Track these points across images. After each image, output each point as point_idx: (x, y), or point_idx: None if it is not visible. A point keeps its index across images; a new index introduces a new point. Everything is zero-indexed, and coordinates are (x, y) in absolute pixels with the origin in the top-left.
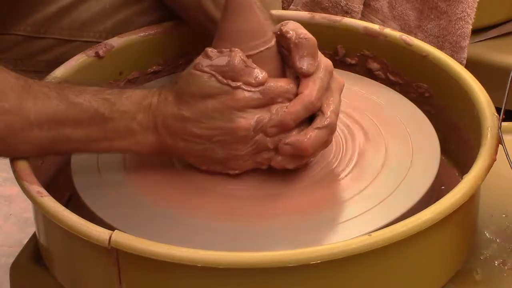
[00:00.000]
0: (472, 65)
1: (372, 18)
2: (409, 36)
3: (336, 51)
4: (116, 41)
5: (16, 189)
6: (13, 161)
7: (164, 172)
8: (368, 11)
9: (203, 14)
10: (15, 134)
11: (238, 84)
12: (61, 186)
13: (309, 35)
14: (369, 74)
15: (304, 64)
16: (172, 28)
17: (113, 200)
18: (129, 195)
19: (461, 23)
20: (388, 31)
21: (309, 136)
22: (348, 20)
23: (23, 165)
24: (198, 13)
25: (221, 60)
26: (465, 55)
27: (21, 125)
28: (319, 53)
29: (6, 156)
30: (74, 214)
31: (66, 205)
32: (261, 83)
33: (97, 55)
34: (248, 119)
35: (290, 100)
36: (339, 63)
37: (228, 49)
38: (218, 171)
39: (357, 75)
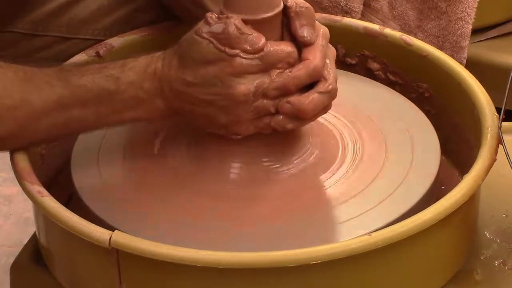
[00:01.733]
0: (472, 65)
1: (372, 18)
2: (409, 36)
3: (336, 51)
4: (116, 41)
5: (16, 189)
6: (13, 161)
7: (164, 172)
8: (368, 11)
9: (201, 10)
10: (24, 128)
11: (236, 52)
12: (61, 186)
13: (308, 4)
14: (369, 74)
15: (305, 32)
16: (172, 28)
17: (113, 200)
18: (129, 195)
19: (461, 23)
20: (388, 31)
21: (311, 98)
22: (348, 20)
23: (23, 165)
24: (196, 9)
25: (218, 27)
26: (465, 55)
27: (28, 118)
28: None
29: (21, 148)
30: (74, 214)
31: (66, 205)
32: (259, 50)
33: (97, 54)
34: (247, 85)
35: (290, 64)
36: (339, 63)
37: (225, 15)
38: (222, 134)
39: (357, 75)
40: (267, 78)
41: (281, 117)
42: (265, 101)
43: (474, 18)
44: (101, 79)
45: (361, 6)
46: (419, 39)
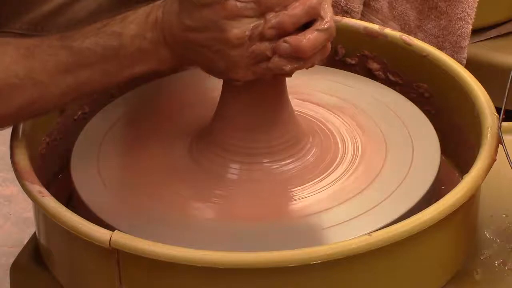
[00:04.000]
0: (472, 65)
1: (372, 18)
2: (409, 36)
3: (336, 51)
4: None
5: (16, 189)
6: (13, 160)
7: (165, 173)
8: (368, 11)
9: None
10: (35, 101)
11: None
12: (61, 186)
13: None
14: (369, 74)
15: None
16: None
17: (113, 200)
18: (130, 195)
19: (461, 23)
20: (388, 31)
21: (308, 37)
22: (348, 20)
23: (24, 165)
24: None
25: None
26: (465, 55)
27: (38, 92)
28: None
29: (38, 117)
30: (75, 214)
31: (66, 205)
32: None
33: None
34: (241, 28)
35: (287, 9)
36: (339, 63)
37: None
38: (225, 79)
39: (357, 75)
40: (263, 21)
41: (278, 58)
42: (262, 45)
43: (474, 18)
44: (104, 38)
45: (361, 6)
46: (419, 39)
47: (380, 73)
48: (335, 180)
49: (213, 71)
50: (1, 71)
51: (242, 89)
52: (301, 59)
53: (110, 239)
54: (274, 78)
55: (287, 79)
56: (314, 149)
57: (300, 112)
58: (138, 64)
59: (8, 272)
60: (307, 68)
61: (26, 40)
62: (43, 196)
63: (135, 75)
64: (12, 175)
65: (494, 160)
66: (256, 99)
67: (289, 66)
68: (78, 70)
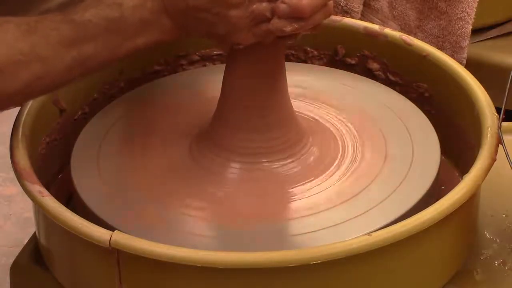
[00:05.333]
0: (472, 65)
1: (372, 18)
2: (409, 36)
3: (336, 51)
4: None
5: (16, 189)
6: (14, 160)
7: (165, 173)
8: (368, 11)
9: None
10: (42, 76)
11: None
12: (61, 186)
13: None
14: (369, 74)
15: None
16: None
17: (113, 200)
18: (130, 195)
19: (461, 23)
20: (388, 31)
21: None
22: (348, 20)
23: (24, 165)
24: None
25: None
26: (465, 55)
27: (44, 67)
28: None
29: (49, 93)
30: (75, 214)
31: (66, 205)
32: None
33: None
34: None
35: None
36: (339, 63)
37: None
38: (226, 45)
39: (357, 75)
40: None
41: (277, 19)
42: (261, 5)
43: (474, 18)
44: (104, 10)
45: (361, 6)
46: (419, 39)
47: (380, 73)
48: (335, 180)
49: (214, 36)
50: (5, 49)
51: (242, 88)
52: (301, 20)
53: (110, 239)
54: (277, 41)
55: (287, 78)
56: (314, 149)
57: (300, 112)
58: (140, 35)
59: (8, 272)
60: (311, 32)
61: (27, 18)
62: (43, 196)
63: (139, 47)
64: (12, 175)
65: (494, 160)
66: (256, 98)
67: (290, 27)
68: (81, 43)
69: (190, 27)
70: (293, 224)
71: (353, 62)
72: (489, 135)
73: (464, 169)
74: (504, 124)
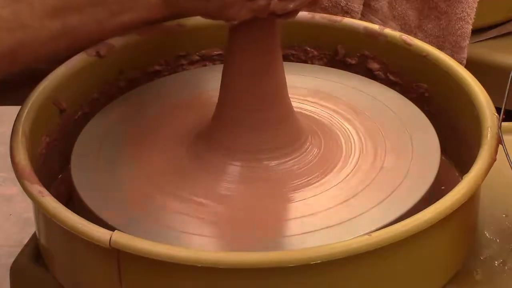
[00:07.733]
0: (472, 65)
1: (372, 18)
2: (409, 36)
3: (336, 51)
4: (117, 41)
5: (16, 189)
6: (14, 160)
7: (165, 173)
8: (368, 11)
9: None
10: (26, 44)
11: None
12: (61, 186)
13: None
14: (369, 74)
15: None
16: (173, 28)
17: (113, 200)
18: (130, 195)
19: (461, 23)
20: (388, 31)
21: None
22: (348, 20)
23: (24, 165)
24: None
25: None
26: (465, 55)
27: (28, 35)
28: None
29: (37, 65)
30: (75, 214)
31: (66, 205)
32: None
33: (98, 54)
34: None
35: None
36: (339, 63)
37: None
38: (222, 21)
39: (357, 75)
40: None
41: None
42: None
43: (474, 18)
44: None
45: (361, 6)
46: (419, 39)
47: (380, 73)
48: (335, 180)
49: (208, 12)
50: None
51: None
52: None
53: (110, 239)
54: (273, 19)
55: (287, 79)
56: (314, 149)
57: (301, 112)
58: (128, 11)
59: (8, 272)
60: (310, 6)
61: None
62: (43, 196)
63: (127, 24)
64: (12, 175)
65: (494, 160)
66: (255, 96)
67: (292, 3)
68: (66, 13)
69: (180, 5)
70: (293, 224)
71: (353, 62)
72: (489, 135)
73: (464, 169)
74: (504, 124)
